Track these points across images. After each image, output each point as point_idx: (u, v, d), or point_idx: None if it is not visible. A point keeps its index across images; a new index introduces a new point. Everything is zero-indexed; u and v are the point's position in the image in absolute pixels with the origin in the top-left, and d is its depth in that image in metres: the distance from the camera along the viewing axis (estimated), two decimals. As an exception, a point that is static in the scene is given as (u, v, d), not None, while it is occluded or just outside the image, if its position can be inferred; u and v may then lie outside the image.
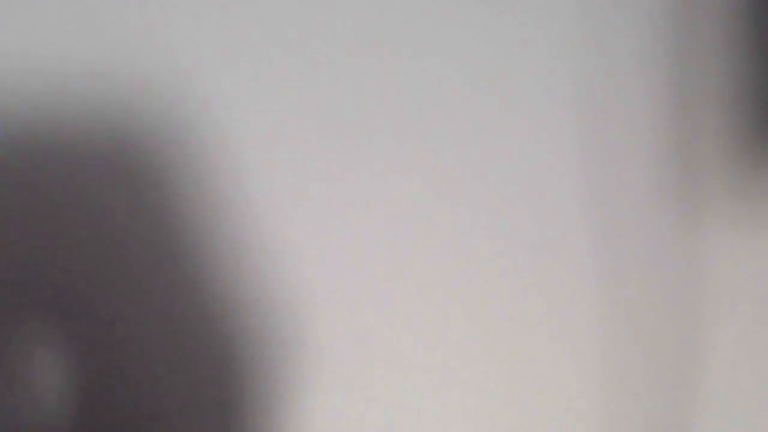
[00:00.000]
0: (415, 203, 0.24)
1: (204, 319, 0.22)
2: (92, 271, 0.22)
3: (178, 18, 0.22)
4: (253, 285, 0.22)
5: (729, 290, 0.24)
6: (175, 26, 0.22)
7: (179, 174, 0.22)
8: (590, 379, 0.24)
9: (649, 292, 0.24)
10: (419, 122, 0.25)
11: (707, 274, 0.24)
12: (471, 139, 0.25)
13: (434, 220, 0.23)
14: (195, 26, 0.22)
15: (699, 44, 0.24)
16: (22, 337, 0.21)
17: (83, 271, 0.22)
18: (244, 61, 0.23)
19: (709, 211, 0.24)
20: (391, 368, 0.24)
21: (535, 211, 0.25)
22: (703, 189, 0.24)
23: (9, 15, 0.21)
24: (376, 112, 0.24)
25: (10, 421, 0.21)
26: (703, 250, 0.24)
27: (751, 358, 0.24)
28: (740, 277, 0.24)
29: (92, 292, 0.22)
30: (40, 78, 0.22)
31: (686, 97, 0.24)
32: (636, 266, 0.24)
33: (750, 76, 0.24)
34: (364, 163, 0.24)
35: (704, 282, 0.24)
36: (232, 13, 0.23)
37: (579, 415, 0.24)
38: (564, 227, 0.25)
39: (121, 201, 0.22)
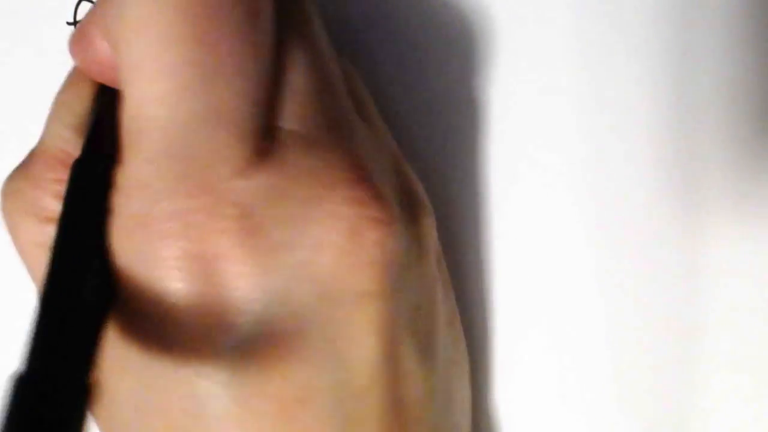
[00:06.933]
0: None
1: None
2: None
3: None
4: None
5: (729, 289, 0.24)
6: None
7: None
8: (588, 378, 0.24)
9: (649, 291, 0.24)
10: (419, 120, 0.25)
11: (707, 273, 0.24)
12: (469, 136, 0.25)
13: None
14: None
15: (699, 44, 0.24)
16: None
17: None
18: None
19: (709, 211, 0.24)
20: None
21: (534, 210, 0.24)
22: (703, 188, 0.24)
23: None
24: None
25: None
26: (704, 249, 0.24)
27: (752, 358, 0.24)
28: (740, 276, 0.24)
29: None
30: None
31: (687, 97, 0.24)
32: (636, 266, 0.24)
33: (750, 75, 0.24)
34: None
35: (704, 281, 0.24)
36: None
37: (577, 414, 0.24)
38: (563, 227, 0.24)
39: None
